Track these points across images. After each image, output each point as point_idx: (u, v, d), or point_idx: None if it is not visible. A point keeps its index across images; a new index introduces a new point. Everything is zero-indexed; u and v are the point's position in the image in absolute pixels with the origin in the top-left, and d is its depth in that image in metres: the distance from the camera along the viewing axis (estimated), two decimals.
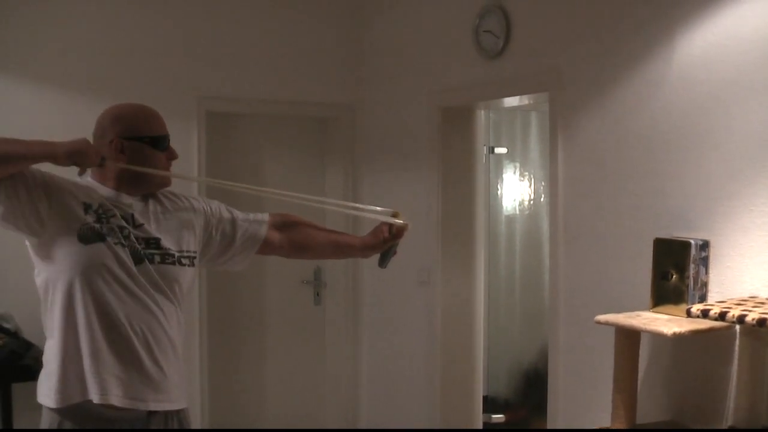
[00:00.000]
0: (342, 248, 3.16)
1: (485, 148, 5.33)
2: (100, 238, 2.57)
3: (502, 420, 5.72)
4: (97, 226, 2.58)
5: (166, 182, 2.81)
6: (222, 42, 5.19)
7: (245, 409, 5.49)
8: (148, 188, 2.76)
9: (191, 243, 2.79)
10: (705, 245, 3.25)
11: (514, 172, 6.15)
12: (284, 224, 3.07)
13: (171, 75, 5.02)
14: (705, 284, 3.26)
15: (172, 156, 2.82)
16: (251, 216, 3.03)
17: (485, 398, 5.20)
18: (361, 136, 5.56)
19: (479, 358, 5.06)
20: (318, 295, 5.69)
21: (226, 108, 5.27)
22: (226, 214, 2.95)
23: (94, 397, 2.55)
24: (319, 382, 5.67)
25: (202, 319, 5.10)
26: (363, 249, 3.10)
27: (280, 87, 5.38)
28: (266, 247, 3.00)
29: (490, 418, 5.58)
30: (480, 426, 5.10)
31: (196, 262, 2.80)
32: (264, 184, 5.56)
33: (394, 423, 5.24)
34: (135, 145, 2.70)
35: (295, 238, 3.06)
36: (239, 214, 2.99)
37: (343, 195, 5.58)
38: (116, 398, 2.57)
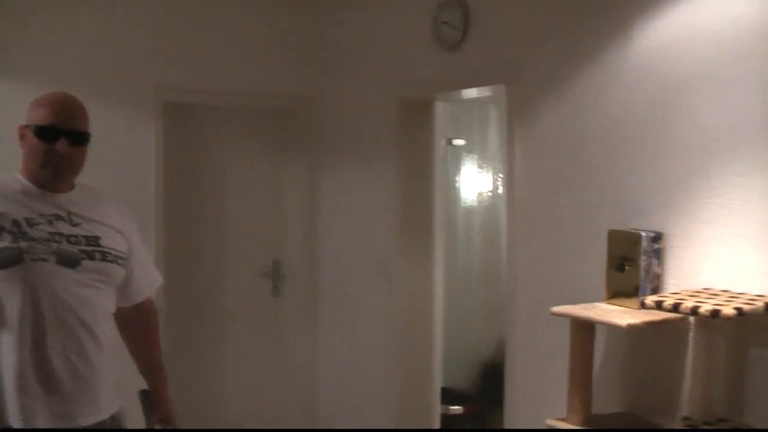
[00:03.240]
0: (144, 369, 3.02)
1: (444, 140, 5.31)
2: (18, 259, 2.50)
3: (460, 411, 5.74)
4: (13, 246, 2.50)
5: (47, 175, 2.65)
6: (182, 32, 5.11)
7: (203, 402, 5.43)
8: (51, 179, 2.66)
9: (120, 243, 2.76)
10: (657, 237, 3.26)
11: (473, 164, 6.16)
12: (138, 312, 2.97)
13: (129, 65, 4.92)
14: (658, 276, 3.27)
15: (55, 150, 2.61)
16: (149, 266, 3.00)
17: (443, 390, 5.19)
18: (322, 128, 5.51)
19: (437, 350, 5.05)
20: (276, 287, 5.64)
21: (186, 99, 5.19)
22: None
23: (15, 423, 2.49)
24: (278, 374, 5.62)
25: (159, 308, 5.02)
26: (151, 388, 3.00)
27: (241, 78, 5.31)
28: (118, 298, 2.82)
29: (448, 409, 5.59)
30: (438, 417, 5.09)
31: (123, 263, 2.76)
32: (223, 177, 5.54)
33: (352, 414, 5.23)
34: (27, 132, 2.65)
35: (126, 329, 2.94)
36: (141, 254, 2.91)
37: (303, 189, 5.55)
38: (41, 421, 2.52)
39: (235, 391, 5.57)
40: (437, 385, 5.08)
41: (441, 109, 5.03)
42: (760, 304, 2.76)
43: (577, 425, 3.25)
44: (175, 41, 5.10)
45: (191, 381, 5.38)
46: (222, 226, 5.56)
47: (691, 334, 3.06)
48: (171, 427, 2.98)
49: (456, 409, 5.71)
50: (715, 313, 2.68)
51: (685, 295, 2.93)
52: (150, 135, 4.98)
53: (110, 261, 2.67)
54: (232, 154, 5.56)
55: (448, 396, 5.59)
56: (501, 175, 6.01)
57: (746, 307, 2.71)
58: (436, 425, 5.07)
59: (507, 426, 4.14)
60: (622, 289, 3.29)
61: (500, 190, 6.04)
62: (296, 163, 5.61)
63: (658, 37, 3.31)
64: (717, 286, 3.06)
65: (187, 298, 5.42)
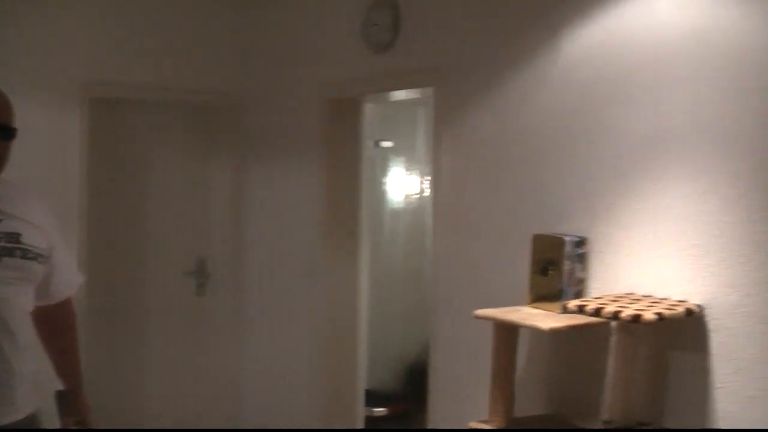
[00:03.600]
0: (60, 369, 2.94)
1: (371, 141, 5.30)
2: None
3: (384, 413, 5.74)
4: None
5: None
6: (108, 26, 4.98)
7: (123, 402, 5.32)
8: None
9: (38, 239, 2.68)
10: (581, 242, 3.28)
11: (400, 167, 6.16)
12: (57, 312, 2.90)
13: (54, 60, 4.78)
14: (581, 280, 3.29)
15: None
16: (71, 265, 2.93)
17: (367, 391, 5.17)
18: (249, 125, 5.43)
19: (362, 351, 5.03)
20: (201, 286, 5.56)
21: (111, 94, 5.06)
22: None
23: None
24: (202, 374, 5.54)
25: (79, 306, 4.93)
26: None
27: (166, 74, 5.21)
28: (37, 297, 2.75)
29: (372, 411, 5.58)
30: (362, 418, 5.08)
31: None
32: (148, 173, 5.45)
33: (276, 415, 5.17)
34: None
35: (44, 329, 2.84)
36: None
37: (229, 186, 5.48)
38: None
39: (156, 391, 5.47)
40: (361, 386, 5.06)
41: (369, 110, 5.01)
42: (680, 309, 2.80)
43: (498, 427, 3.26)
44: (101, 36, 4.97)
45: (112, 381, 5.28)
46: (146, 224, 5.47)
47: (613, 339, 3.08)
48: (86, 428, 2.91)
49: (380, 411, 5.70)
50: (635, 318, 2.70)
51: (608, 300, 2.95)
52: (74, 131, 4.85)
53: (30, 258, 2.60)
54: (157, 150, 5.47)
55: (372, 398, 5.58)
56: (427, 177, 6.02)
57: (667, 313, 2.75)
58: (360, 427, 5.06)
59: (430, 428, 4.13)
60: (546, 293, 3.31)
61: (426, 193, 6.04)
62: (222, 161, 5.54)
63: (586, 42, 3.34)
64: (639, 291, 3.09)
65: (109, 297, 5.29)
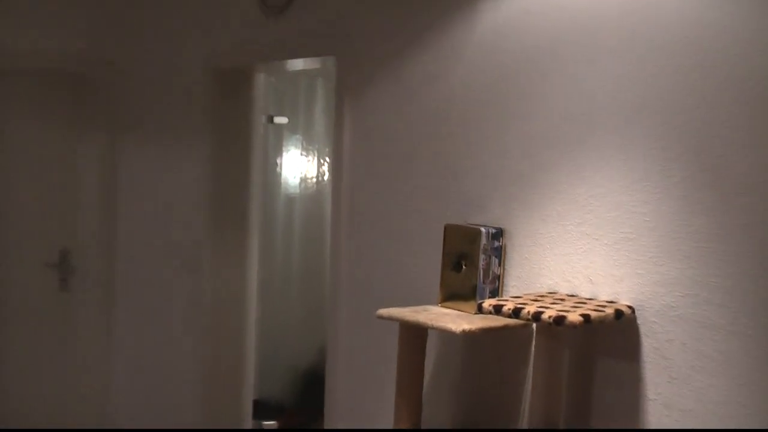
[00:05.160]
0: None
1: (264, 117, 5.26)
2: None
3: (275, 426, 5.77)
4: None
5: None
6: None
7: None
8: None
9: None
10: (498, 234, 3.27)
11: (297, 146, 6.13)
12: None
13: None
14: (498, 277, 3.29)
15: None
16: None
17: (256, 402, 5.19)
18: (123, 97, 5.34)
19: (250, 356, 5.03)
20: (64, 280, 5.47)
21: None
22: None
23: None
24: (65, 375, 5.50)
25: None
26: None
27: (27, 36, 5.12)
28: None
29: (261, 424, 5.59)
30: None
31: None
32: (8, 152, 5.39)
33: (151, 424, 5.11)
34: None
35: None
36: None
37: (99, 168, 5.37)
38: None
39: (16, 392, 5.45)
40: (249, 396, 5.05)
41: (262, 81, 4.98)
42: (609, 311, 2.79)
43: None
44: None
45: None
46: (1, 210, 5.38)
47: (534, 343, 3.08)
48: None
49: (270, 423, 5.72)
50: (559, 320, 2.69)
51: (528, 300, 2.94)
52: None
53: None
54: (16, 125, 5.40)
55: (262, 409, 5.61)
56: (327, 159, 6.00)
57: (594, 314, 2.73)
58: None
59: None
60: (459, 291, 3.30)
61: (326, 177, 6.04)
62: (91, 138, 5.43)
63: (507, 9, 3.31)
64: (563, 290, 3.10)
65: None
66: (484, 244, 3.25)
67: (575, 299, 2.97)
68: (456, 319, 3.09)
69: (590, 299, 2.97)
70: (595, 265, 3.01)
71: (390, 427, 3.35)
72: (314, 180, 6.19)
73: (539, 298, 2.97)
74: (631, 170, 2.92)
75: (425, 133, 3.64)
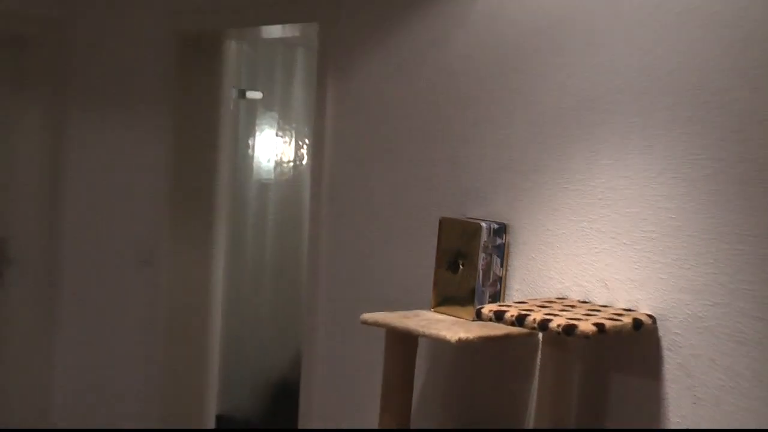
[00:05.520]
0: None
1: (234, 90, 5.25)
2: None
3: None
4: None
5: None
6: None
7: None
8: None
9: None
10: (501, 230, 3.28)
11: (272, 126, 6.13)
12: None
13: None
14: (500, 279, 3.30)
15: None
16: None
17: (219, 418, 5.23)
18: (71, 64, 5.31)
19: (213, 364, 5.05)
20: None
21: None
22: None
23: None
24: (1, 376, 5.50)
25: None
26: None
27: None
28: None
29: None
30: None
31: None
32: None
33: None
34: None
35: None
36: None
37: (40, 144, 5.34)
38: None
39: None
40: (211, 410, 5.07)
41: (233, 49, 5.00)
42: (627, 320, 2.79)
43: None
44: None
45: None
46: None
47: (539, 355, 3.08)
48: None
49: None
50: (569, 330, 2.68)
51: (534, 305, 2.94)
52: None
53: None
54: None
55: (225, 425, 5.63)
56: (307, 141, 6.00)
57: (609, 324, 2.73)
58: None
59: None
60: (455, 294, 3.31)
61: (305, 161, 6.04)
62: (32, 110, 5.40)
63: None
64: (574, 296, 3.11)
65: None
66: (485, 241, 3.25)
67: (588, 306, 2.97)
68: (451, 327, 3.10)
69: (605, 306, 2.97)
70: (611, 267, 3.02)
71: None
72: (291, 164, 6.21)
73: (546, 304, 2.97)
74: (655, 159, 2.92)
75: (419, 112, 3.65)
